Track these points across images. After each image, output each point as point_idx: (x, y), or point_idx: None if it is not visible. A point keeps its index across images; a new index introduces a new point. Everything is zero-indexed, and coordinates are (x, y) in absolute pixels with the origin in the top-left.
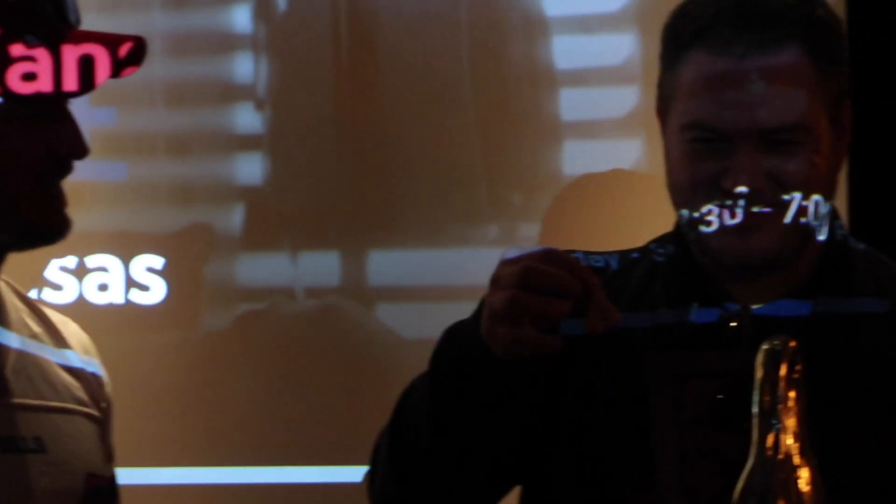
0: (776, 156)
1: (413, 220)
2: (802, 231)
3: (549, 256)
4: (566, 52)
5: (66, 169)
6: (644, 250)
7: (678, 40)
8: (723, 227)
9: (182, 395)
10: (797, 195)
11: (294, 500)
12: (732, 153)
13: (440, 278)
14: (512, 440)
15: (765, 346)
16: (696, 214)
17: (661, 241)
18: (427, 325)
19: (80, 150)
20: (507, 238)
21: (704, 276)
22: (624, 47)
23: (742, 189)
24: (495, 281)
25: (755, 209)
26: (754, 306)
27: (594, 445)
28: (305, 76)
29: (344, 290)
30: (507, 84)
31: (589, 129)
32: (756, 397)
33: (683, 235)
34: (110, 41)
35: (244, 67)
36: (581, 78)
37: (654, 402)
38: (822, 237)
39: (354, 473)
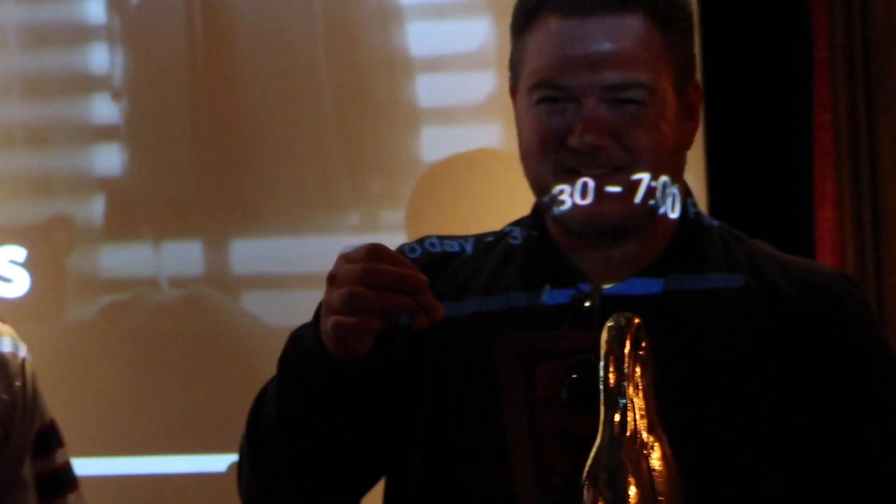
0: (621, 115)
1: (274, 209)
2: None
3: (379, 253)
4: (422, 38)
5: None
6: (499, 234)
7: (526, 6)
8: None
9: (47, 388)
10: (646, 176)
11: (160, 490)
12: (578, 112)
13: (303, 266)
14: (366, 437)
15: (609, 324)
16: (552, 193)
17: (518, 224)
18: (291, 312)
19: None
20: (369, 225)
21: (560, 258)
22: (479, 33)
23: (588, 141)
24: (332, 278)
25: (608, 188)
26: (606, 286)
27: (449, 430)
28: (161, 65)
29: (208, 279)
30: (363, 72)
31: (447, 115)
32: (602, 374)
33: (542, 216)
34: None
35: (100, 58)
36: (437, 64)
37: (505, 383)
38: (674, 215)
39: (220, 462)
